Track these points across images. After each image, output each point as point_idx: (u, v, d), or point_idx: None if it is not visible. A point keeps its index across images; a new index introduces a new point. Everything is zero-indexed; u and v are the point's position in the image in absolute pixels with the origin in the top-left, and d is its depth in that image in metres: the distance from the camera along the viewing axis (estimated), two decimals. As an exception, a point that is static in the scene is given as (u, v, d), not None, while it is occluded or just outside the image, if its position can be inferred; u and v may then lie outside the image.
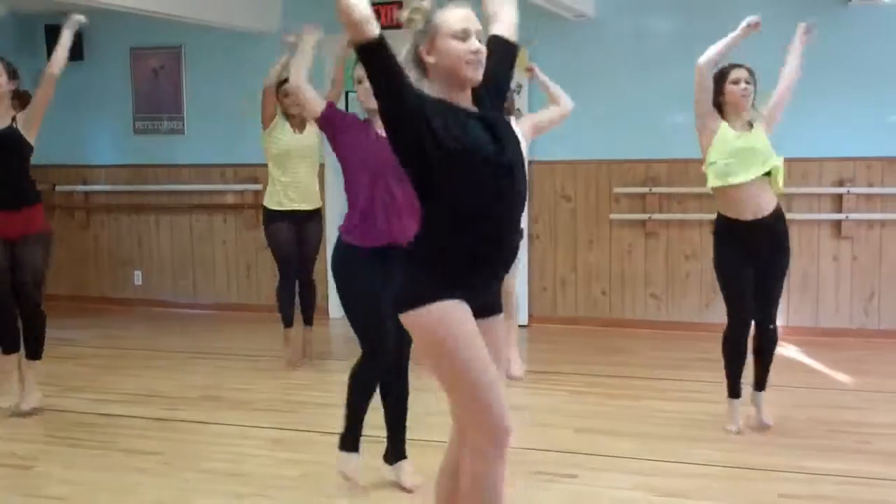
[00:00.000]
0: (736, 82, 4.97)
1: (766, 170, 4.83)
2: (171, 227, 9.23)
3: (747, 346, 5.07)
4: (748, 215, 4.88)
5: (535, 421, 5.58)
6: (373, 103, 4.00)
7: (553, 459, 4.78)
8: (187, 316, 8.89)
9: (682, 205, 7.76)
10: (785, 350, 6.98)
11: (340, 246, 4.16)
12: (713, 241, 5.09)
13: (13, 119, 5.52)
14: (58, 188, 9.44)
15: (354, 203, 4.14)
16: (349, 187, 4.17)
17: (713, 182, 4.93)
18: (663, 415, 5.52)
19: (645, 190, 7.82)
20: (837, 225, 7.48)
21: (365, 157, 4.08)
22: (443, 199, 2.85)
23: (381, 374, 4.21)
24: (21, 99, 5.66)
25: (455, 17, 2.89)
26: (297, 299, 6.74)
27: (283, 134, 6.48)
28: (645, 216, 7.86)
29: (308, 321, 6.87)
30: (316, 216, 6.66)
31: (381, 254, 4.05)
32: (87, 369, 6.77)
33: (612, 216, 7.96)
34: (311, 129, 6.45)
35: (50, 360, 6.31)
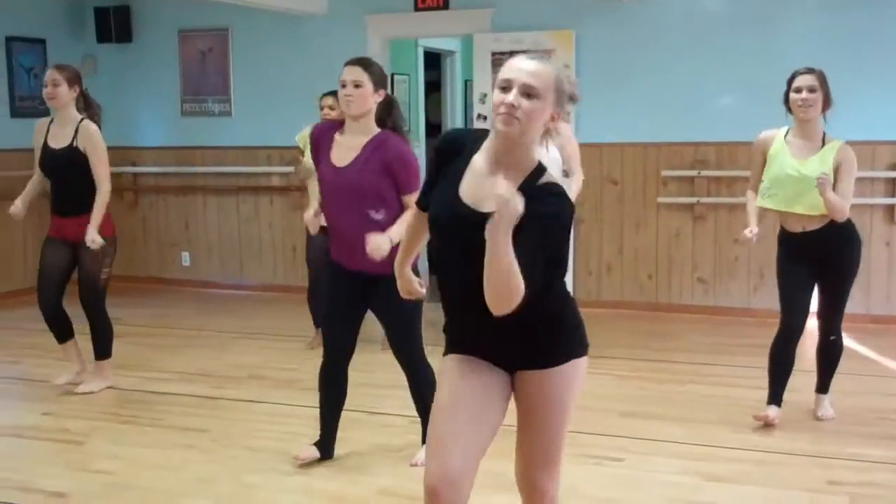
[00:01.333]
0: (798, 91, 4.70)
1: (807, 209, 4.69)
2: (218, 208, 9.29)
3: (792, 356, 4.93)
4: (792, 229, 4.83)
5: (581, 405, 5.49)
6: (355, 110, 4.11)
7: (600, 443, 4.76)
8: (234, 296, 8.96)
9: (730, 188, 7.67)
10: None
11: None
12: (778, 242, 5.04)
13: (76, 132, 5.55)
14: (107, 169, 9.53)
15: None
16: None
17: (759, 202, 4.92)
18: (710, 400, 5.48)
19: (693, 173, 7.74)
20: (891, 209, 7.35)
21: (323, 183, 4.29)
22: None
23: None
24: (87, 102, 5.75)
25: (506, 67, 2.67)
26: None
27: None
28: (693, 199, 7.79)
29: None
30: None
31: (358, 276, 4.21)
32: (136, 348, 6.85)
33: (660, 199, 7.90)
34: None
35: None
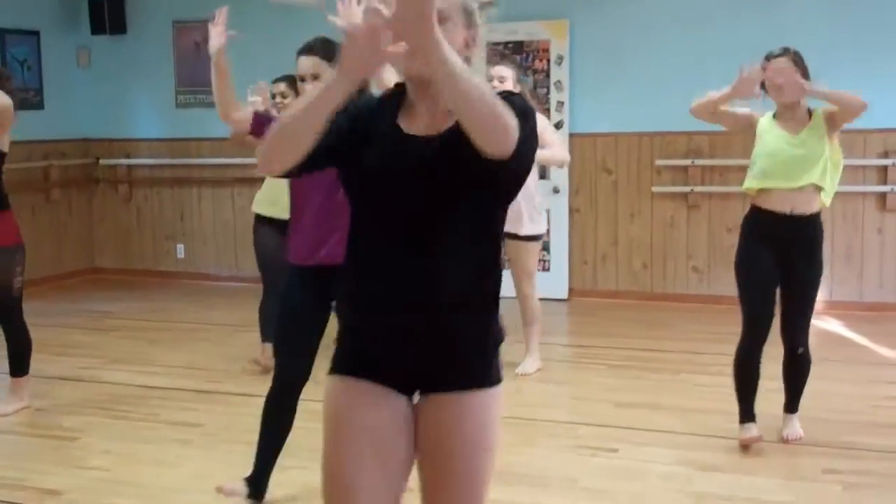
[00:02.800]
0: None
1: (810, 182, 4.32)
2: (214, 200, 9.28)
3: (758, 365, 4.51)
4: (780, 210, 4.37)
5: (575, 395, 5.59)
6: None
7: (594, 433, 4.78)
8: (230, 289, 8.95)
9: (724, 177, 7.67)
10: (828, 324, 6.92)
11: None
12: (740, 233, 4.61)
13: None
14: (101, 162, 9.53)
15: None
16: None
17: (748, 183, 4.47)
18: (705, 389, 5.48)
19: (687, 162, 7.75)
20: (882, 197, 7.36)
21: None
22: None
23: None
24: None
25: None
26: None
27: None
28: (687, 188, 7.79)
29: None
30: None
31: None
32: (130, 342, 6.85)
33: (654, 189, 7.90)
34: None
35: (94, 333, 6.42)
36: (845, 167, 7.24)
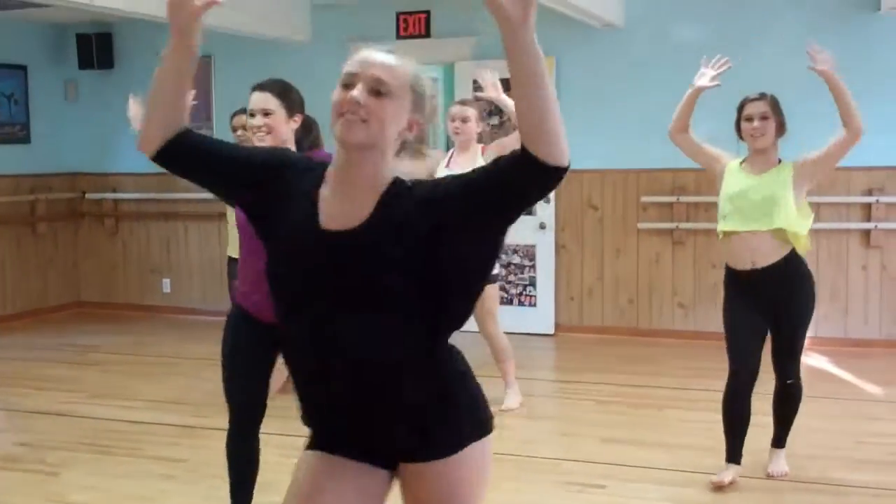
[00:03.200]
0: (749, 119, 4.41)
1: (771, 227, 4.28)
2: (200, 234, 9.26)
3: (748, 407, 4.48)
4: (742, 265, 4.40)
5: (561, 431, 5.57)
6: (268, 141, 3.60)
7: (581, 469, 4.76)
8: (216, 323, 8.84)
9: (709, 213, 7.68)
10: (814, 360, 6.93)
11: None
12: (724, 288, 4.62)
13: None
14: (87, 196, 9.52)
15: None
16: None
17: (719, 226, 4.48)
18: (691, 425, 5.48)
19: (673, 199, 7.79)
20: (867, 234, 7.41)
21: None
22: None
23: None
24: None
25: (351, 60, 2.15)
26: None
27: None
28: (672, 225, 7.82)
29: None
30: None
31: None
32: (114, 376, 6.81)
33: (640, 225, 7.93)
34: None
35: (77, 367, 6.38)
36: (830, 205, 7.33)
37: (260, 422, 3.79)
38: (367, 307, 2.06)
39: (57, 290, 9.36)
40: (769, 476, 4.60)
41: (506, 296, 8.16)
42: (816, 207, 7.19)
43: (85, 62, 9.25)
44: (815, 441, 5.11)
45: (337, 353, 2.08)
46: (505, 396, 5.87)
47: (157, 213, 9.38)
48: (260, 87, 3.77)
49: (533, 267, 8.15)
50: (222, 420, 5.63)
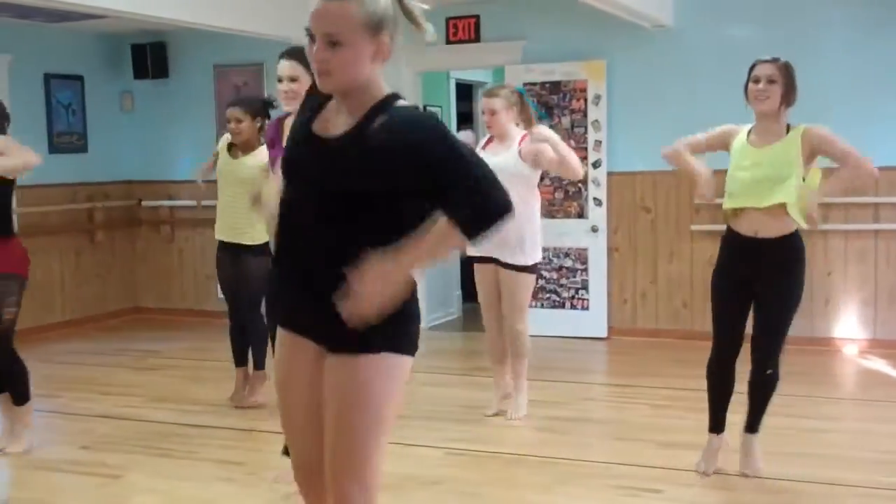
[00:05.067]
0: (756, 80, 4.29)
1: (774, 202, 4.20)
2: (254, 240, 9.33)
3: (732, 376, 4.53)
4: (745, 232, 4.34)
5: (616, 435, 5.54)
6: (294, 105, 3.80)
7: (636, 474, 4.74)
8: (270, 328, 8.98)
9: (764, 215, 7.63)
10: (873, 363, 6.84)
11: None
12: (718, 253, 4.58)
13: None
14: (143, 203, 9.66)
15: None
16: None
17: (725, 203, 4.41)
18: (748, 429, 5.42)
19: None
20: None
21: None
22: None
23: None
24: None
25: (310, 14, 2.41)
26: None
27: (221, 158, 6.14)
28: (725, 227, 7.73)
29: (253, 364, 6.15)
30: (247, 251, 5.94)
31: None
32: (173, 380, 6.90)
33: (693, 227, 7.87)
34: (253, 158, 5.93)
35: (136, 372, 6.46)
36: (889, 205, 7.19)
37: None
38: (331, 207, 2.41)
39: (115, 297, 9.50)
40: (745, 475, 4.56)
41: (558, 299, 8.15)
42: (874, 208, 7.16)
43: (140, 72, 9.39)
44: (872, 445, 5.04)
45: (304, 241, 2.47)
46: (515, 401, 5.68)
47: (212, 220, 9.45)
48: (288, 54, 4.06)
49: (585, 270, 8.12)
50: (279, 423, 5.70)
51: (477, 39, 8.29)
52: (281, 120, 4.35)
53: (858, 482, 4.52)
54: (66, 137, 9.07)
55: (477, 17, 8.29)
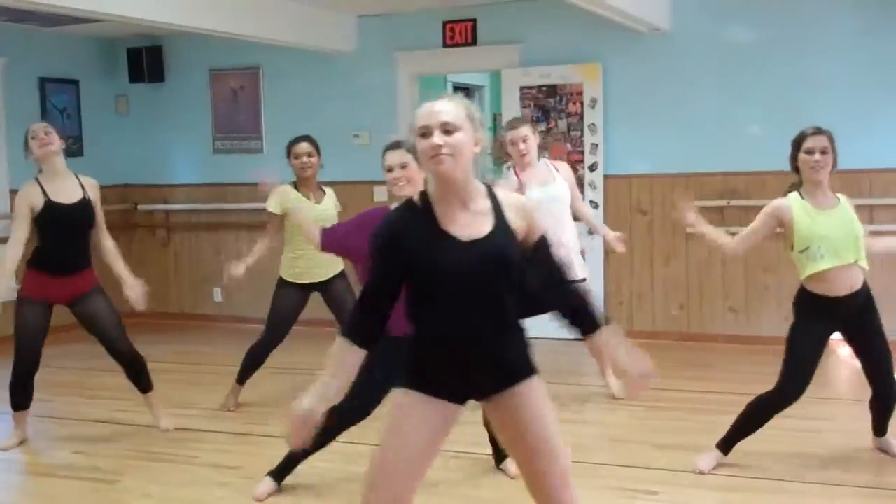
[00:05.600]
0: (810, 152, 4.51)
1: (858, 259, 4.52)
2: (250, 244, 9.26)
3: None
4: (842, 291, 4.54)
5: (613, 436, 5.54)
6: (407, 191, 4.06)
7: (633, 475, 4.74)
8: (266, 332, 8.97)
9: (761, 217, 7.63)
10: None
11: None
12: (793, 310, 4.73)
13: (82, 187, 5.49)
14: (139, 207, 9.65)
15: None
16: None
17: (809, 270, 4.54)
18: (744, 430, 5.42)
19: (723, 203, 7.72)
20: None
21: None
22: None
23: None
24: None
25: (419, 115, 2.88)
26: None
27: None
28: (723, 229, 7.73)
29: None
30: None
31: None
32: (168, 385, 6.87)
33: (689, 229, 7.85)
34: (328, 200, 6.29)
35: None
36: (884, 207, 7.21)
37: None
38: (496, 294, 2.87)
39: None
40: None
41: (555, 302, 8.14)
42: (869, 210, 7.15)
43: (135, 76, 9.39)
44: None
45: (471, 329, 2.89)
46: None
47: (208, 224, 9.48)
48: (394, 146, 4.27)
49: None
50: (275, 427, 5.70)
51: (474, 43, 8.29)
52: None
53: (853, 482, 4.52)
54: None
55: (474, 20, 8.30)
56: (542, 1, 7.90)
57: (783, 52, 7.46)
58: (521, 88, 8.10)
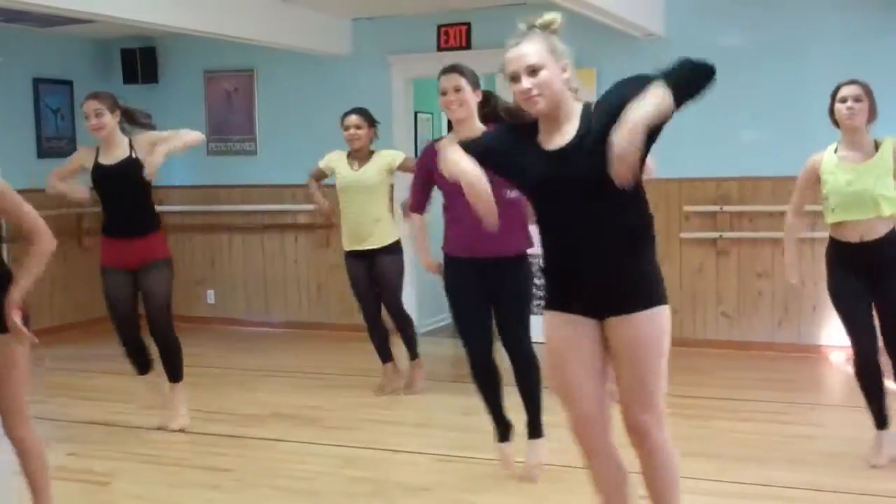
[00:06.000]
0: (843, 100, 4.62)
1: (877, 215, 4.54)
2: (244, 246, 9.35)
3: (879, 372, 4.69)
4: (850, 240, 4.62)
5: (605, 441, 5.53)
6: (461, 113, 4.37)
7: (629, 480, 4.72)
8: (259, 334, 8.99)
9: (753, 223, 7.65)
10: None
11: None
12: (825, 263, 4.79)
13: (131, 146, 5.50)
14: (133, 209, 9.62)
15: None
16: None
17: (826, 218, 4.72)
18: (738, 436, 5.43)
19: (716, 208, 7.73)
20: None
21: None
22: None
23: (476, 366, 4.54)
24: (129, 117, 5.66)
25: (505, 63, 3.11)
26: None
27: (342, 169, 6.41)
28: (716, 234, 7.77)
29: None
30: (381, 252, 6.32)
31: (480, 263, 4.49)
32: (161, 387, 6.86)
33: (683, 234, 7.88)
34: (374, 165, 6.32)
35: (124, 378, 6.44)
36: None
37: (492, 351, 4.55)
38: (594, 197, 3.07)
39: (102, 302, 9.41)
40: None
41: (548, 306, 8.14)
42: None
43: (129, 77, 9.37)
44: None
45: (583, 234, 3.09)
46: None
47: (202, 226, 9.47)
48: (449, 69, 4.62)
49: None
50: (266, 430, 5.70)
51: (468, 47, 8.29)
52: (433, 148, 4.60)
53: (846, 488, 4.52)
54: (55, 142, 9.04)
55: (468, 24, 8.30)
56: (536, 5, 7.90)
57: (776, 58, 7.47)
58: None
